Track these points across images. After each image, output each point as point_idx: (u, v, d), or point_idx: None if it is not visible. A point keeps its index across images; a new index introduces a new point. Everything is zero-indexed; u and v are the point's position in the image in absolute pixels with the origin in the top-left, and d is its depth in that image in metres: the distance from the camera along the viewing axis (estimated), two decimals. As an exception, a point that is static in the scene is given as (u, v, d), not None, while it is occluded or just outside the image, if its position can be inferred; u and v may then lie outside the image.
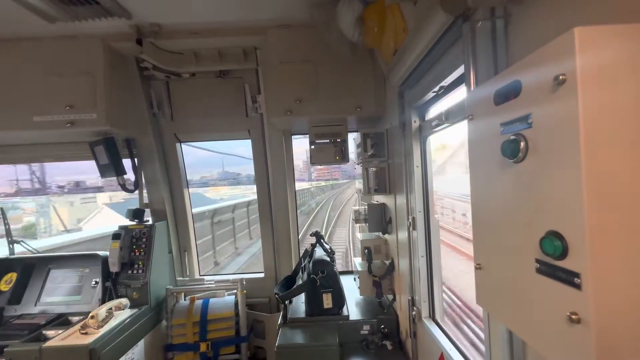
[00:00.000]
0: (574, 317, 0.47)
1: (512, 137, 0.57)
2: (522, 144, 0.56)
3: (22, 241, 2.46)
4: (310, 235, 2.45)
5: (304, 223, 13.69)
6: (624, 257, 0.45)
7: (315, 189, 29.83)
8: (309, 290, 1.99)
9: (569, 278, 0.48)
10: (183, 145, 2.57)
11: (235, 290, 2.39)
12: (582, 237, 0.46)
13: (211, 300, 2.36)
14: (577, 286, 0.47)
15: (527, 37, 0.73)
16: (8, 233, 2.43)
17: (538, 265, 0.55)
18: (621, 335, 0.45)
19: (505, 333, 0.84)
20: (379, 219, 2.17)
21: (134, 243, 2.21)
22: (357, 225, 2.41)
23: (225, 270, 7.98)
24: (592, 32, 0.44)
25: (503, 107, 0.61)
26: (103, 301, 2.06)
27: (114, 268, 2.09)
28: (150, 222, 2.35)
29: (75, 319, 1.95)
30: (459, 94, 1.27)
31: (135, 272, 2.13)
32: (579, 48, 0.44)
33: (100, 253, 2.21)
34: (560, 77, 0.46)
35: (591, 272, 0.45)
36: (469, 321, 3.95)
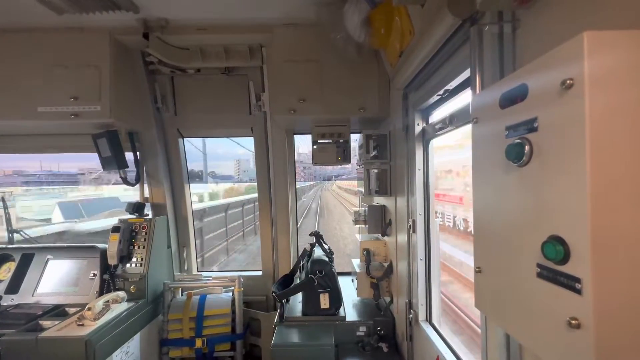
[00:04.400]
0: (573, 322, 0.47)
1: (517, 141, 0.57)
2: (527, 147, 0.56)
3: (21, 231, 2.46)
4: (310, 235, 2.44)
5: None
6: (626, 263, 0.45)
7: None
8: (306, 289, 1.98)
9: (570, 283, 0.48)
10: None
11: (232, 287, 2.39)
12: (584, 243, 0.45)
13: (208, 296, 2.35)
14: (578, 291, 0.47)
15: (535, 42, 0.73)
16: (8, 222, 2.43)
17: (539, 269, 0.55)
18: (621, 341, 0.45)
19: (503, 337, 0.84)
20: (379, 221, 2.16)
21: (133, 237, 2.21)
22: (357, 226, 2.41)
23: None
24: (602, 37, 0.44)
25: (509, 111, 0.61)
26: (100, 293, 2.05)
27: (112, 261, 2.08)
28: (150, 216, 2.35)
29: (72, 310, 1.94)
30: (463, 98, 1.27)
31: (133, 265, 2.13)
32: (587, 52, 0.44)
33: (99, 245, 2.21)
34: (568, 81, 0.46)
35: (592, 278, 0.45)
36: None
